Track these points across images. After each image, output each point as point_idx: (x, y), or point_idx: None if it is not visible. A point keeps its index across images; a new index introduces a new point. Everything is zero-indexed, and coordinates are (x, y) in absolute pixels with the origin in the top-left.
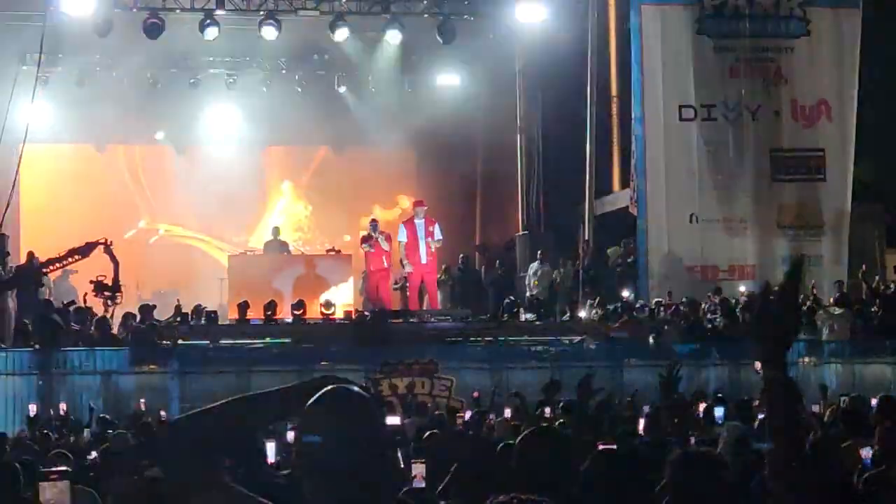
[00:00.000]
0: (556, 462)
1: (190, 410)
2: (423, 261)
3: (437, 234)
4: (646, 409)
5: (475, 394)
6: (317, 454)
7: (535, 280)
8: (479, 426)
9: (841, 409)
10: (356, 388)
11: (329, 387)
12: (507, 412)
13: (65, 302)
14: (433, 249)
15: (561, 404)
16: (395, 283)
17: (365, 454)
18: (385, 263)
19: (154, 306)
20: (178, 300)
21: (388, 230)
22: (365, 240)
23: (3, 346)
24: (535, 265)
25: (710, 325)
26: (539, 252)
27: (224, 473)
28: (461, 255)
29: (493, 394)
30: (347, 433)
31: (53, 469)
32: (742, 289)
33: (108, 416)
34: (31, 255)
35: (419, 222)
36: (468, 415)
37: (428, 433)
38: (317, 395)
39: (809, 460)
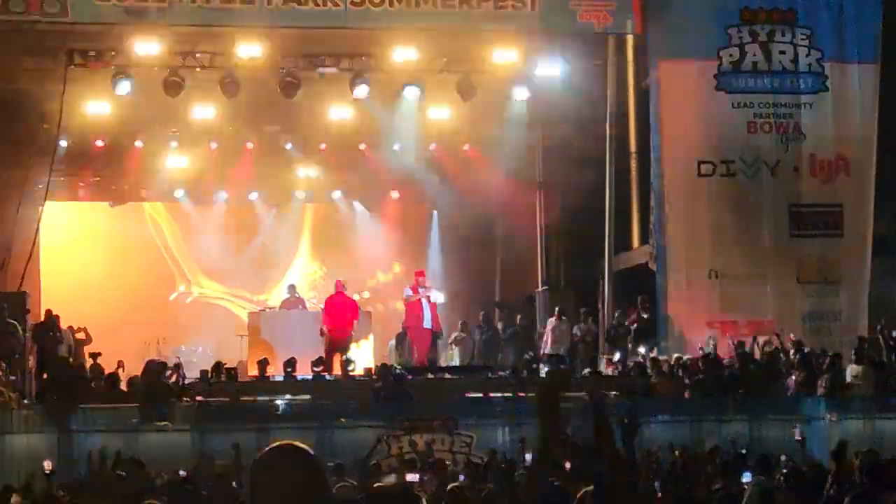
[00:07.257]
0: None
1: (207, 467)
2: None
3: (435, 295)
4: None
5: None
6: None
7: (554, 336)
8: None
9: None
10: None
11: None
12: None
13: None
14: (432, 300)
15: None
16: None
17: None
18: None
19: (163, 363)
20: (178, 357)
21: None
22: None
23: (24, 402)
24: (552, 321)
25: (729, 381)
26: (556, 309)
27: None
28: (482, 312)
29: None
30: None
31: None
32: (761, 340)
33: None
34: (48, 312)
35: (422, 290)
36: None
37: None
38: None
39: None
